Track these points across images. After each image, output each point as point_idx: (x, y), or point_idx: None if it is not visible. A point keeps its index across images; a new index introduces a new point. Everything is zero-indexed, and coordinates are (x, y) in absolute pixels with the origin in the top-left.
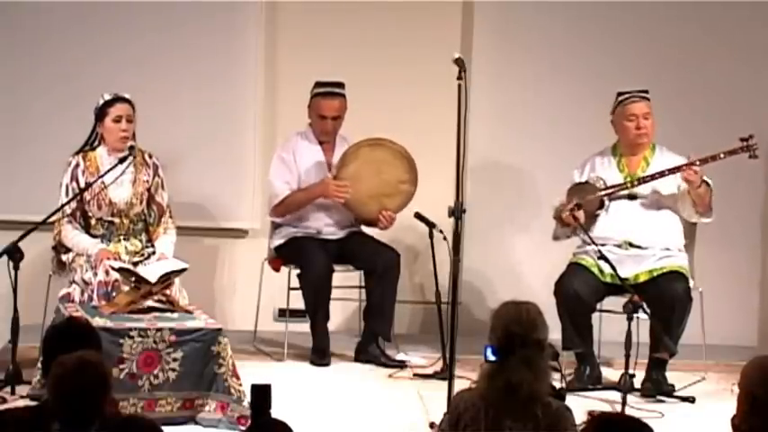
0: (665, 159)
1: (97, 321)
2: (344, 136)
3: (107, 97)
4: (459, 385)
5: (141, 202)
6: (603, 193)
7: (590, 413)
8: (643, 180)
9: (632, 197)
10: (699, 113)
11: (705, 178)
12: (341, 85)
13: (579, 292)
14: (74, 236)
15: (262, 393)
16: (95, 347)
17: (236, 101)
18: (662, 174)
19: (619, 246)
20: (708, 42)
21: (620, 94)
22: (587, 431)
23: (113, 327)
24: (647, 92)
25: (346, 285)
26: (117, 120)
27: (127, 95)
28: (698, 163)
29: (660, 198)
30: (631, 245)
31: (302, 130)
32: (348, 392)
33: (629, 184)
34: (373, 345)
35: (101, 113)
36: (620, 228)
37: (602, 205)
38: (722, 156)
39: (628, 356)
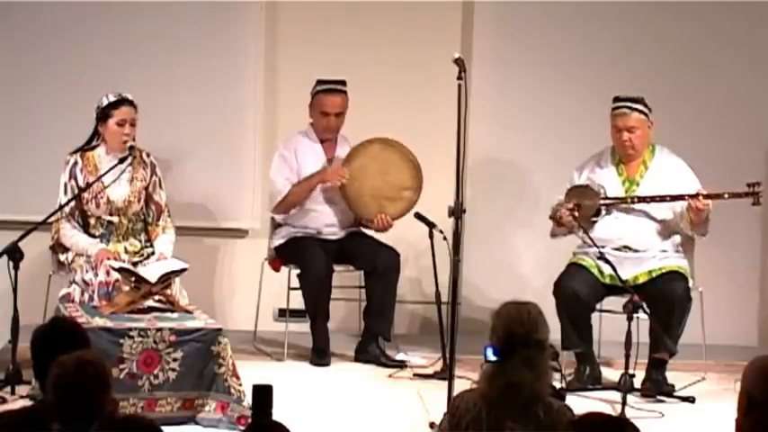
0: (665, 163)
1: (97, 321)
2: (345, 136)
3: (111, 98)
4: (460, 385)
5: (139, 201)
6: (603, 202)
7: None
8: (642, 199)
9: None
10: (699, 114)
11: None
12: (343, 82)
13: (579, 292)
14: (72, 235)
15: (263, 394)
16: (82, 346)
17: (236, 101)
18: (663, 198)
19: (618, 249)
20: (708, 43)
21: (615, 99)
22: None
23: (113, 327)
24: (641, 100)
25: (346, 285)
26: (121, 124)
27: (130, 97)
28: (702, 197)
29: (653, 214)
30: (629, 249)
31: (304, 129)
32: (348, 392)
33: (629, 200)
34: (373, 345)
35: (104, 114)
36: (618, 233)
37: (598, 213)
38: (726, 196)
39: (628, 356)
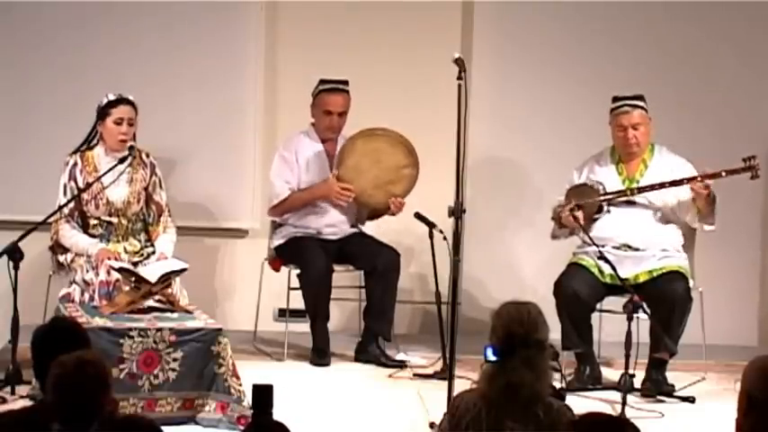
0: (665, 161)
1: (97, 321)
2: (345, 136)
3: (111, 97)
4: (459, 385)
5: (139, 202)
6: (603, 198)
7: None
8: (642, 189)
9: (630, 202)
10: (698, 114)
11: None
12: (345, 82)
13: (579, 292)
14: (72, 236)
15: (263, 394)
16: (82, 346)
17: (236, 101)
18: (662, 185)
19: (617, 248)
20: (708, 43)
21: (614, 99)
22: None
23: (113, 327)
24: (641, 98)
25: (346, 285)
26: (118, 122)
27: (130, 97)
28: (699, 179)
29: (656, 205)
30: (630, 247)
31: (305, 129)
32: (348, 392)
33: (628, 192)
34: (373, 345)
35: (103, 113)
36: (619, 231)
37: (600, 210)
38: (723, 174)
39: (628, 356)
